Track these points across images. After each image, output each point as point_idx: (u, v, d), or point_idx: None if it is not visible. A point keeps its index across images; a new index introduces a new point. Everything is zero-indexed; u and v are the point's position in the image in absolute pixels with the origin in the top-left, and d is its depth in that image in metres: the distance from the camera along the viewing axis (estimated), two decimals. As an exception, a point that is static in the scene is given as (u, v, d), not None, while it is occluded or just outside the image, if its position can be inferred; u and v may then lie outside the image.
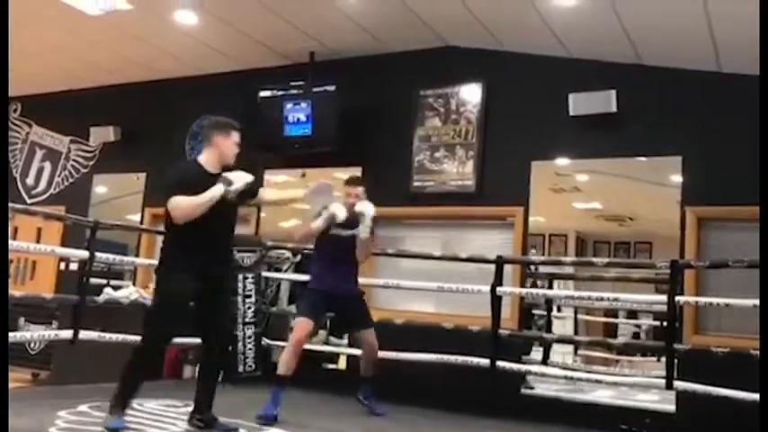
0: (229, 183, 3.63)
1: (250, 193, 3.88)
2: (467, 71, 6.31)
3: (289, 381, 4.40)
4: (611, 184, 6.05)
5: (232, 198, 3.65)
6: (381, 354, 5.09)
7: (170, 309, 3.60)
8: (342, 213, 4.30)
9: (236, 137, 3.85)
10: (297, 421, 4.38)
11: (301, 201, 4.20)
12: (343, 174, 6.92)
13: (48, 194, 8.85)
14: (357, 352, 5.60)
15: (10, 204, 4.88)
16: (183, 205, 3.53)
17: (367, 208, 4.43)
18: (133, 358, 3.59)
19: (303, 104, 6.74)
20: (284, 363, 4.42)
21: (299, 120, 6.77)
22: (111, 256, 5.31)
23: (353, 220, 4.43)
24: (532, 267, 6.05)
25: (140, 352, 3.62)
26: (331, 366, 6.45)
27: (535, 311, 6.36)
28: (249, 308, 5.90)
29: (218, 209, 3.59)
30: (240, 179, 3.68)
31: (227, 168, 3.76)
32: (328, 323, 6.17)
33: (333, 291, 4.53)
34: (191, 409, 3.82)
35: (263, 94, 6.96)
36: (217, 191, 3.57)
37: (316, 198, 4.12)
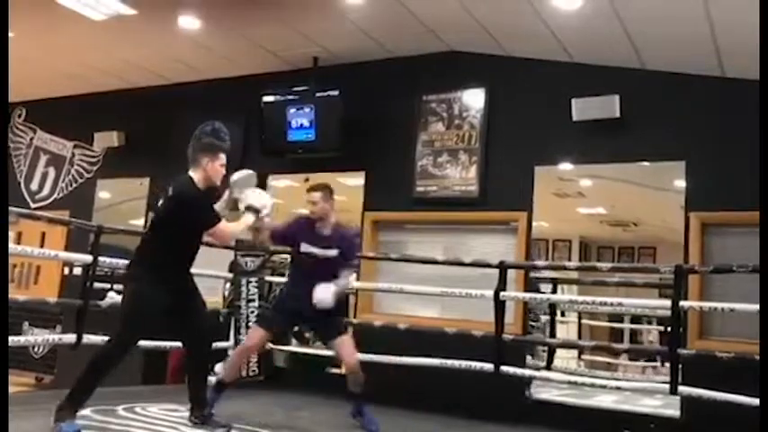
0: (257, 211, 3.94)
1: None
2: (470, 76, 6.31)
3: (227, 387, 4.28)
4: (615, 189, 6.04)
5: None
6: (385, 359, 5.10)
7: (144, 315, 3.72)
8: (256, 201, 3.99)
9: (222, 159, 3.90)
10: (299, 425, 4.37)
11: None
12: (346, 178, 6.97)
13: (52, 199, 8.87)
14: (360, 356, 5.60)
15: (14, 209, 4.89)
16: (228, 234, 3.92)
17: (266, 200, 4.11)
18: (98, 360, 3.62)
19: (306, 109, 6.75)
20: (230, 366, 4.36)
21: (302, 125, 6.78)
22: (114, 261, 5.30)
23: (326, 239, 4.30)
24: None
25: (108, 353, 3.67)
26: (334, 371, 6.44)
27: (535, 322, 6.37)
28: (252, 312, 5.90)
29: (199, 230, 3.83)
30: (266, 206, 3.98)
31: (213, 189, 3.90)
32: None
33: (302, 310, 4.26)
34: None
35: (266, 99, 6.97)
36: (250, 221, 3.94)
37: (240, 190, 4.05)
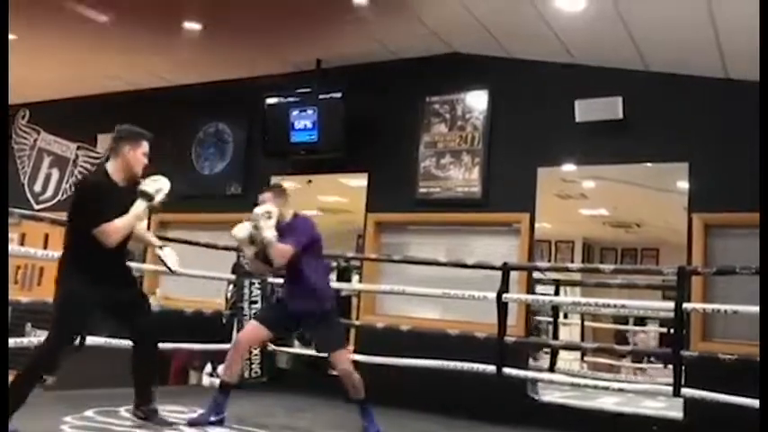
0: (149, 197, 3.62)
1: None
2: (473, 78, 6.31)
3: (231, 388, 4.17)
4: (618, 190, 6.03)
5: (155, 209, 3.65)
6: (387, 360, 5.10)
7: (74, 315, 3.57)
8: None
9: (145, 147, 3.74)
10: (301, 426, 4.37)
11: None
12: (348, 180, 6.98)
13: (55, 201, 8.88)
14: (361, 358, 5.61)
15: (18, 210, 4.90)
16: (112, 232, 3.51)
17: (255, 210, 4.10)
18: (33, 363, 3.52)
19: (309, 111, 6.76)
20: (228, 364, 4.20)
21: (305, 126, 6.78)
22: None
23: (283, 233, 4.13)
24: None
25: (42, 356, 3.56)
26: (335, 372, 6.44)
27: (540, 318, 6.35)
28: (255, 313, 5.90)
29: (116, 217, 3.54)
30: (160, 190, 3.65)
31: (133, 180, 3.69)
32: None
33: (292, 308, 4.22)
34: (194, 415, 3.84)
35: (269, 101, 6.98)
36: (140, 208, 3.61)
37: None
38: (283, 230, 4.13)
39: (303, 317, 4.20)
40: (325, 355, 4.23)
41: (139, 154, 3.71)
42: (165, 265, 3.96)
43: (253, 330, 4.28)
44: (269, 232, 4.01)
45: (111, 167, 3.68)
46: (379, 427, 4.14)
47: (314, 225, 4.32)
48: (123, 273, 3.81)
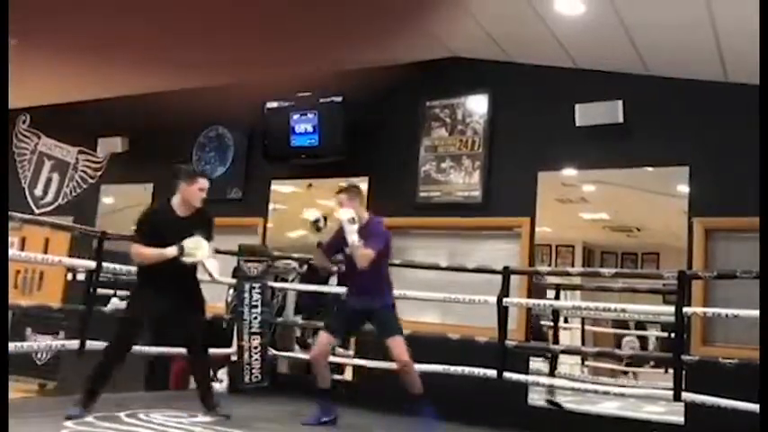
0: (182, 252, 4.20)
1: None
2: (473, 82, 6.31)
3: (329, 391, 4.54)
4: (619, 194, 6.02)
5: (186, 261, 4.25)
6: (387, 365, 5.07)
7: (136, 318, 4.34)
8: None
9: (200, 183, 4.39)
10: (299, 431, 4.37)
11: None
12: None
13: (56, 205, 8.89)
14: (363, 362, 5.61)
15: (18, 215, 4.91)
16: (136, 254, 4.27)
17: (340, 214, 4.38)
18: (102, 361, 4.24)
19: (310, 115, 6.77)
20: (318, 377, 4.54)
21: (305, 130, 6.79)
22: (118, 267, 5.31)
23: (360, 234, 4.39)
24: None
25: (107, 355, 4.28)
26: (337, 377, 6.44)
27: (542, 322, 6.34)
28: (255, 318, 5.89)
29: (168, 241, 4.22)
30: (194, 254, 4.25)
31: (194, 210, 4.39)
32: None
33: (354, 305, 4.56)
34: (196, 419, 3.86)
35: (269, 104, 6.99)
36: (169, 252, 4.18)
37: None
38: (361, 231, 4.34)
39: (370, 312, 4.51)
40: (388, 338, 4.44)
41: (195, 189, 4.37)
42: (208, 272, 4.38)
43: (326, 341, 4.55)
44: (354, 236, 4.28)
45: (175, 200, 4.39)
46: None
47: (386, 230, 4.61)
48: (182, 286, 4.37)
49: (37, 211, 8.82)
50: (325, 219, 4.58)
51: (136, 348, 5.00)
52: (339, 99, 6.61)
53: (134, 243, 4.26)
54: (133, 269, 6.52)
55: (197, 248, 4.24)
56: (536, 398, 5.56)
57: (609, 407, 5.40)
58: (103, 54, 6.61)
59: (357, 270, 4.39)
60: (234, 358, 5.88)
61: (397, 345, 4.40)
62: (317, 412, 4.55)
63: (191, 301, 4.46)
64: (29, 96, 8.50)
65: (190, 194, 4.36)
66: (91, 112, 8.50)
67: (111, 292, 6.88)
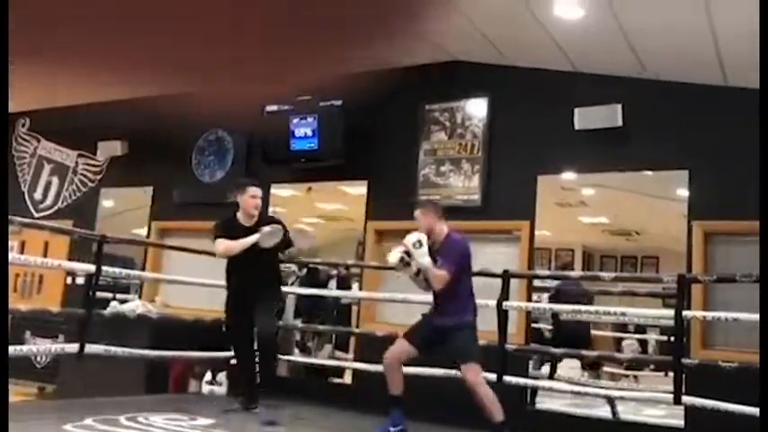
0: (260, 238, 4.67)
1: (284, 244, 4.97)
2: (472, 85, 6.32)
3: (400, 399, 4.39)
4: (618, 198, 6.03)
5: (264, 246, 4.71)
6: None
7: (230, 311, 5.00)
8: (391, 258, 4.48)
9: (252, 191, 4.90)
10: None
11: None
12: (348, 187, 6.98)
13: (55, 209, 8.88)
14: (361, 366, 5.60)
15: (18, 218, 4.91)
16: (222, 249, 4.78)
17: (406, 239, 4.31)
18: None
19: (309, 119, 6.77)
20: (391, 383, 4.42)
21: (305, 134, 6.79)
22: (117, 270, 5.32)
23: (436, 252, 4.35)
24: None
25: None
26: (337, 380, 6.44)
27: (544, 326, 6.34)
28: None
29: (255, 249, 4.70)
30: (270, 238, 4.73)
31: (253, 218, 4.88)
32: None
33: (433, 321, 4.47)
34: (196, 422, 3.85)
35: (269, 108, 6.99)
36: (251, 239, 4.67)
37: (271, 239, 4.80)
38: (438, 249, 4.33)
39: (449, 331, 4.32)
40: (461, 365, 4.27)
41: (248, 198, 4.88)
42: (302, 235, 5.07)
43: (400, 346, 4.45)
44: (424, 259, 4.23)
45: (239, 214, 4.92)
46: None
47: (465, 245, 4.48)
48: (258, 286, 4.85)
49: (36, 215, 8.81)
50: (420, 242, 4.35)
51: (135, 351, 5.03)
52: (338, 103, 6.61)
53: (217, 240, 4.74)
54: (133, 273, 6.57)
55: (273, 233, 4.71)
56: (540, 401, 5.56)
57: (609, 410, 5.40)
58: (103, 58, 6.60)
59: (433, 288, 4.38)
60: (234, 361, 5.86)
61: (471, 372, 4.22)
62: (388, 421, 4.40)
63: (268, 292, 4.92)
64: (28, 100, 8.50)
65: (246, 204, 4.85)
66: (91, 116, 8.50)
67: (111, 295, 6.88)
